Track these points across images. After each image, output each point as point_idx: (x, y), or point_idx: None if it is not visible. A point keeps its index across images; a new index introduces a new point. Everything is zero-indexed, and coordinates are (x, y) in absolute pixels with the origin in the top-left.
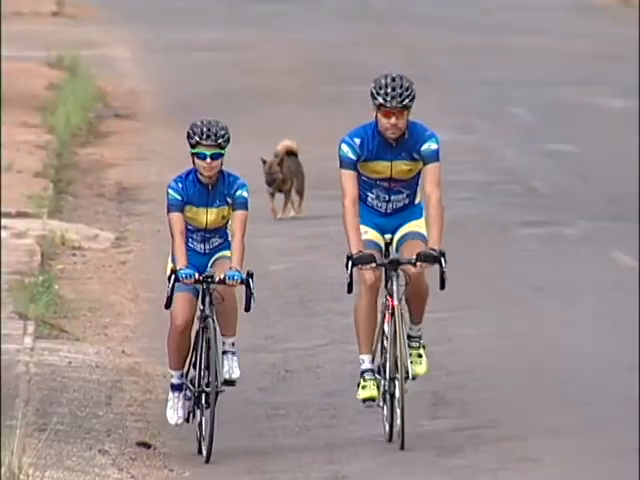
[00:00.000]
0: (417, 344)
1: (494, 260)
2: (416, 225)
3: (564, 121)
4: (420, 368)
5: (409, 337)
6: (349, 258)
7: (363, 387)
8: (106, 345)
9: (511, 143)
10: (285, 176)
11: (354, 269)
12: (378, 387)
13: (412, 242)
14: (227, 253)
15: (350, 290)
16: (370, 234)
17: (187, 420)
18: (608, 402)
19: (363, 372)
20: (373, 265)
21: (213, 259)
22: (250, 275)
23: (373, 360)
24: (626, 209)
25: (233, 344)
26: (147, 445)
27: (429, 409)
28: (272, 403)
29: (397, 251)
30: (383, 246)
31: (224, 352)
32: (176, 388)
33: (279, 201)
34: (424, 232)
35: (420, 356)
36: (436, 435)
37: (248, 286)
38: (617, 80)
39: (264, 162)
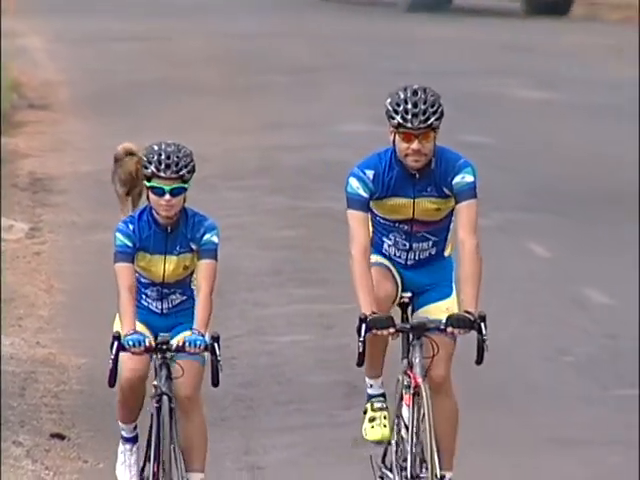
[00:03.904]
0: None
1: None
2: (445, 308)
3: (478, 112)
4: None
5: None
6: (362, 321)
7: (371, 420)
8: (20, 336)
9: None
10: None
11: (368, 335)
12: (388, 422)
13: (434, 337)
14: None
15: (361, 362)
16: (384, 260)
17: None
18: (526, 392)
19: (371, 397)
20: (392, 330)
21: (176, 339)
22: (215, 339)
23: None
24: (542, 200)
25: None
26: (61, 436)
27: (344, 399)
28: None
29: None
30: (399, 279)
31: None
32: (128, 440)
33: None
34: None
35: None
36: (351, 425)
37: (214, 353)
38: (529, 71)
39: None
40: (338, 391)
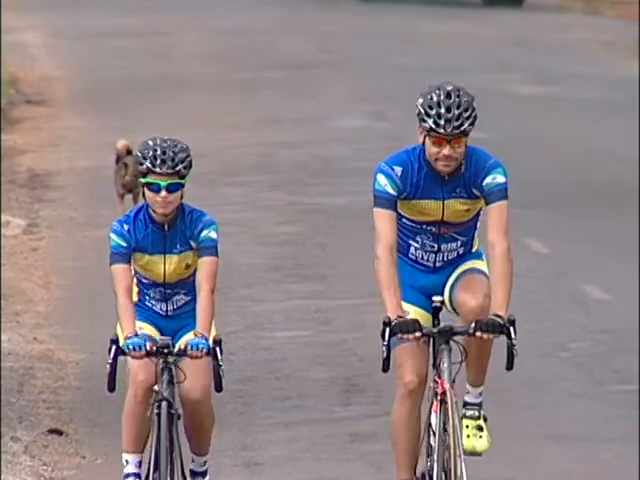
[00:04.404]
0: (476, 413)
1: None
2: (475, 263)
3: (476, 108)
4: (480, 443)
5: (465, 404)
6: (386, 324)
7: None
8: (18, 332)
9: None
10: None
11: (393, 339)
12: None
13: (471, 277)
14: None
15: (386, 368)
16: (412, 314)
17: None
18: (524, 388)
19: None
20: (418, 334)
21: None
22: (217, 343)
23: None
24: (539, 196)
25: (205, 462)
26: (59, 432)
27: (342, 395)
28: None
29: (452, 298)
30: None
31: (192, 473)
32: (130, 476)
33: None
34: (486, 270)
35: (480, 429)
36: (349, 421)
37: (215, 357)
38: (526, 67)
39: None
40: (336, 387)
